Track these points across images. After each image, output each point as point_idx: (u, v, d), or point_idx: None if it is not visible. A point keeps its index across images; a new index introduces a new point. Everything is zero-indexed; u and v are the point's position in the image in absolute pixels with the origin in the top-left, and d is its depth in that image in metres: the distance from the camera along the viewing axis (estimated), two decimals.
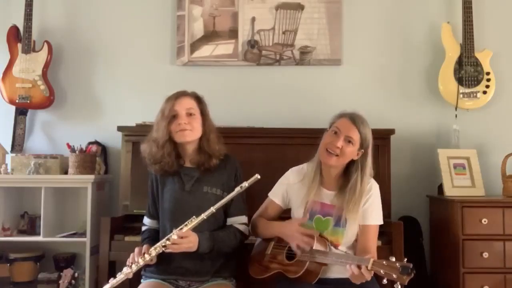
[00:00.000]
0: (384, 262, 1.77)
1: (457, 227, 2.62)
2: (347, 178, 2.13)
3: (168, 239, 1.97)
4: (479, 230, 2.60)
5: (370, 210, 2.10)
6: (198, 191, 2.11)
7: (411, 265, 1.71)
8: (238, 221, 2.17)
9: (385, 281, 1.77)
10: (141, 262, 1.96)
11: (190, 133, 2.11)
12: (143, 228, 2.24)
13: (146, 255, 1.96)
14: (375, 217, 2.11)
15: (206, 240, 2.03)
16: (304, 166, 2.24)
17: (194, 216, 1.99)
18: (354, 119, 2.10)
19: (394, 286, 1.73)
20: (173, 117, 2.10)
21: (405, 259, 1.76)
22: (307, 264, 2.00)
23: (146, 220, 2.24)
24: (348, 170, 2.14)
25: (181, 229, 1.97)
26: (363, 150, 2.10)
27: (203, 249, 2.02)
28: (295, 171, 2.25)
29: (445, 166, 2.89)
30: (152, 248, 1.99)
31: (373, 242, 2.10)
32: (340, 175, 2.15)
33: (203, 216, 1.98)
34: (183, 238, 1.95)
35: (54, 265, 3.00)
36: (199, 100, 2.19)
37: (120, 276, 1.97)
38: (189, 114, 2.12)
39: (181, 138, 2.11)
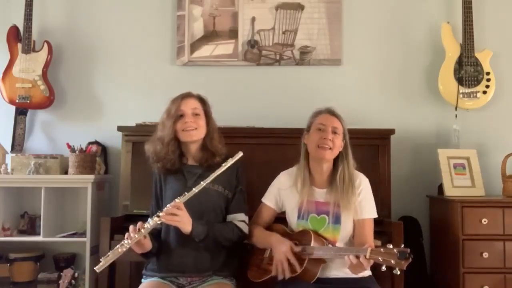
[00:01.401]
0: (381, 249, 1.79)
1: (457, 227, 2.62)
2: (335, 173, 2.16)
3: (161, 211, 1.99)
4: (479, 230, 2.60)
5: (363, 204, 2.12)
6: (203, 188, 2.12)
7: (408, 250, 1.73)
8: (237, 218, 2.18)
9: (384, 268, 1.77)
10: (136, 237, 1.93)
11: (196, 132, 2.16)
12: None
13: (141, 230, 1.95)
14: (368, 210, 2.14)
15: (201, 225, 2.04)
16: (294, 169, 2.25)
17: (185, 192, 2.02)
18: (333, 112, 2.20)
19: (393, 272, 1.73)
20: (179, 116, 2.15)
21: (402, 245, 1.77)
22: (306, 262, 2.00)
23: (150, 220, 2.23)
24: (335, 165, 2.18)
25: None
26: (344, 141, 2.17)
27: (197, 233, 2.02)
28: (286, 175, 2.27)
29: (445, 166, 2.89)
30: (147, 222, 1.99)
31: (369, 235, 2.11)
32: (330, 172, 2.18)
33: (195, 190, 2.01)
34: (178, 209, 1.97)
35: (54, 265, 3.00)
36: (203, 101, 2.25)
37: (112, 255, 1.91)
38: (195, 114, 2.17)
39: (188, 138, 2.16)
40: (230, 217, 2.19)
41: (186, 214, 2.01)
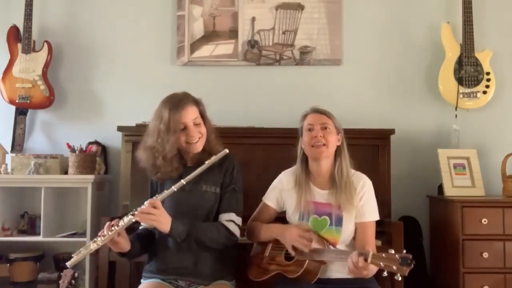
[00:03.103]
0: (383, 254, 1.77)
1: (457, 227, 2.62)
2: (334, 170, 2.16)
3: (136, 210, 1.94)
4: (479, 230, 2.60)
5: (365, 207, 2.12)
6: (197, 190, 2.10)
7: (410, 256, 1.71)
8: (225, 218, 2.09)
9: (385, 273, 1.76)
10: (109, 234, 1.89)
11: (201, 142, 2.11)
12: (140, 227, 2.22)
13: (114, 227, 1.91)
14: (371, 213, 2.13)
15: (182, 225, 1.97)
16: (295, 169, 2.24)
17: (164, 189, 1.99)
18: (318, 110, 2.21)
19: (395, 277, 1.73)
20: (181, 130, 2.07)
21: (404, 251, 1.77)
22: (306, 263, 2.00)
23: None
24: (333, 162, 2.17)
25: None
26: (340, 135, 2.18)
27: (177, 233, 1.96)
28: (288, 174, 2.26)
29: (445, 166, 2.89)
30: (121, 220, 1.93)
31: (371, 238, 2.11)
32: (331, 173, 2.17)
33: (173, 188, 1.96)
34: (155, 208, 1.91)
35: (54, 265, 3.00)
36: (198, 104, 2.16)
37: (85, 251, 1.89)
38: (196, 124, 2.10)
39: (194, 150, 2.11)
40: (219, 217, 2.11)
41: (163, 213, 1.94)
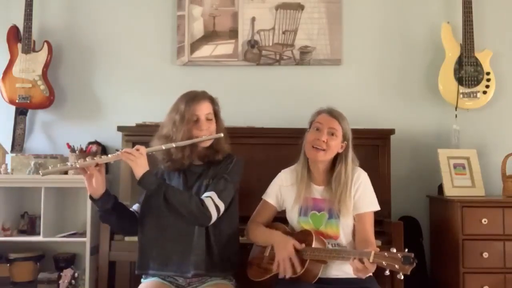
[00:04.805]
0: (385, 253, 1.77)
1: (457, 227, 2.62)
2: (333, 173, 2.16)
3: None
4: (479, 230, 2.60)
5: (362, 198, 2.13)
6: (200, 184, 2.14)
7: (412, 255, 1.72)
8: (205, 195, 2.09)
9: (387, 272, 1.77)
10: (88, 161, 1.97)
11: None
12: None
13: (97, 157, 2.01)
14: (368, 204, 2.13)
15: (155, 178, 2.05)
16: (295, 166, 2.26)
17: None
18: (332, 113, 2.18)
19: (397, 276, 1.73)
20: (194, 121, 2.13)
21: (406, 249, 1.77)
22: (307, 263, 2.00)
23: (135, 205, 2.24)
24: (334, 163, 2.17)
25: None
26: (346, 142, 2.15)
27: (148, 181, 1.99)
28: (287, 172, 2.27)
29: (445, 166, 2.89)
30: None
31: (370, 230, 2.11)
32: (328, 170, 2.18)
33: (162, 147, 2.07)
34: (138, 152, 1.99)
35: (54, 265, 3.01)
36: (213, 102, 2.22)
37: (61, 166, 1.99)
38: (208, 119, 2.16)
39: (204, 144, 2.15)
40: None
41: (144, 159, 2.00)
